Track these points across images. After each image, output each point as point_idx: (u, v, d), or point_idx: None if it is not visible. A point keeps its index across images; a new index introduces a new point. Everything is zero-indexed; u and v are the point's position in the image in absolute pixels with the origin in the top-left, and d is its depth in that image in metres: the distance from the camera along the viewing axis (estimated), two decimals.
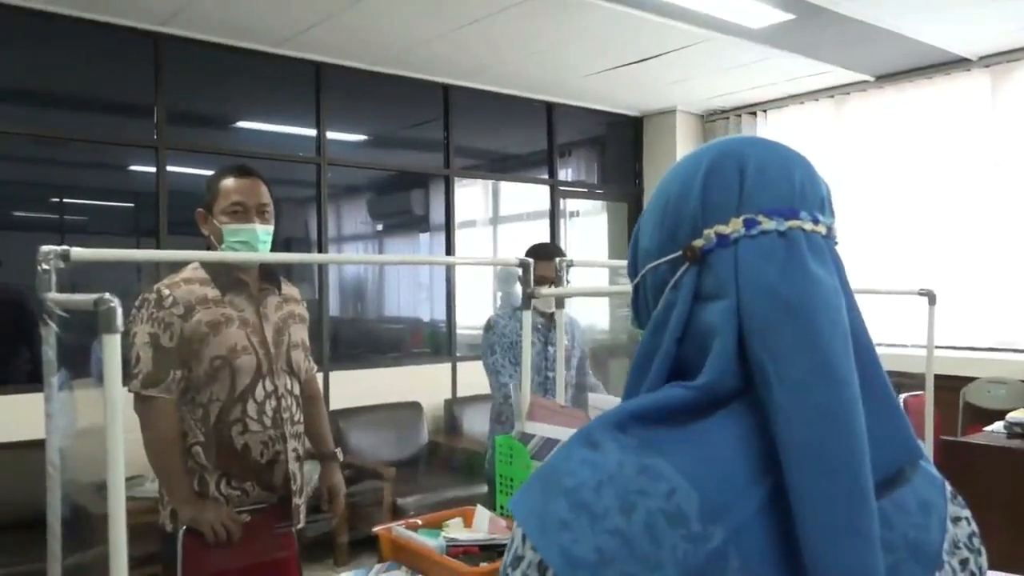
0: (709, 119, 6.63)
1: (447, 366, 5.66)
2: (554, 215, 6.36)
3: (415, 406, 5.29)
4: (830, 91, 5.81)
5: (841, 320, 0.66)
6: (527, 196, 6.47)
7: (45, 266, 1.54)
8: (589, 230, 7.00)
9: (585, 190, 6.75)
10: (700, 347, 0.69)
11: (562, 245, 6.39)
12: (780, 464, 0.62)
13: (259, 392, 2.23)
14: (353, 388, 5.12)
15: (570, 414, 2.21)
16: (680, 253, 0.72)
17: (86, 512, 2.06)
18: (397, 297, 6.24)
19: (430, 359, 5.73)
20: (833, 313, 0.66)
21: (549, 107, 6.22)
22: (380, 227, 6.20)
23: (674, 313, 0.71)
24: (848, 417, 0.62)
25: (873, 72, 5.50)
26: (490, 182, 6.40)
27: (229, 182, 2.25)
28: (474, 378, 4.48)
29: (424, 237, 6.16)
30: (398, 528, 2.07)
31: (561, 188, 6.43)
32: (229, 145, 5.05)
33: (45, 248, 1.55)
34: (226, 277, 2.24)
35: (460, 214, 5.95)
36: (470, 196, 6.27)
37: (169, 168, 4.58)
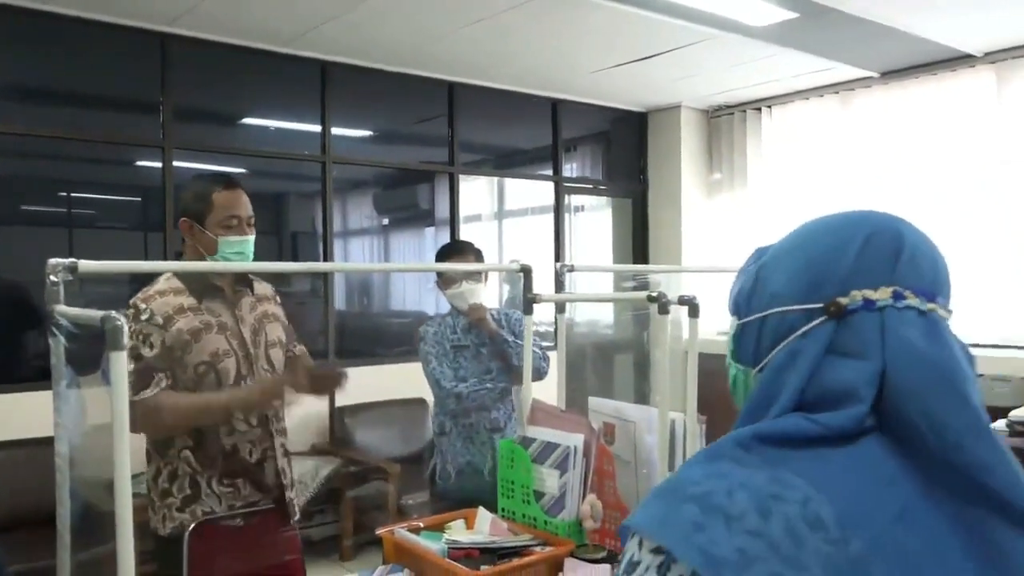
0: (715, 115, 6.63)
1: None
2: (559, 211, 6.38)
3: (420, 402, 5.32)
4: (835, 87, 5.80)
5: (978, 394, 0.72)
6: (532, 192, 6.49)
7: (54, 278, 1.58)
8: (594, 225, 7.02)
9: (590, 186, 6.77)
10: (825, 398, 0.72)
11: (567, 240, 6.42)
12: (911, 483, 0.68)
13: None
14: (358, 384, 5.12)
15: (570, 418, 2.24)
16: (820, 306, 0.76)
17: (94, 509, 2.10)
18: (403, 291, 6.26)
19: None
20: (972, 384, 0.71)
21: (554, 103, 6.23)
22: (386, 222, 6.22)
23: (801, 361, 0.75)
24: (1013, 463, 0.68)
25: (878, 69, 5.49)
26: (495, 177, 6.42)
27: (222, 195, 2.27)
28: None
29: (430, 231, 6.18)
30: (400, 531, 2.10)
31: (566, 184, 6.45)
32: (235, 143, 5.09)
33: (53, 261, 1.59)
34: (200, 284, 2.26)
35: (465, 209, 5.97)
36: (475, 191, 6.29)
37: (176, 163, 4.62)
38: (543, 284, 2.57)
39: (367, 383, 5.16)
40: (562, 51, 5.06)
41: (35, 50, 4.36)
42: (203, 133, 5.00)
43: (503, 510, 2.27)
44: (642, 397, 6.64)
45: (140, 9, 4.21)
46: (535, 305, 2.34)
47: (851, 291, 0.75)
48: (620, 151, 6.87)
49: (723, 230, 6.50)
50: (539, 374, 2.95)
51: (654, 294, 1.96)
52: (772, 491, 0.64)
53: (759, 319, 0.81)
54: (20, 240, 4.42)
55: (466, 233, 5.89)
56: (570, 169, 6.65)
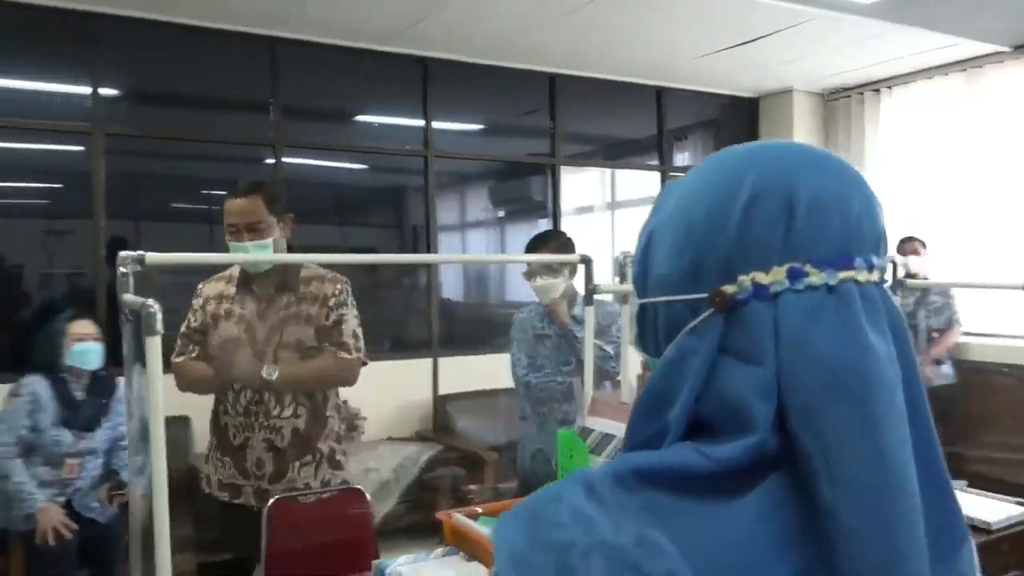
0: (831, 98, 6.33)
1: None
2: None
3: None
4: (962, 64, 5.42)
5: (897, 399, 0.57)
6: (644, 182, 6.41)
7: (123, 269, 1.71)
8: None
9: None
10: (723, 409, 0.59)
11: None
12: (806, 545, 0.55)
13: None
14: (461, 373, 5.27)
15: (630, 409, 2.23)
16: (703, 296, 0.61)
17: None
18: (518, 282, 6.32)
19: None
20: (888, 392, 0.56)
21: (659, 92, 6.13)
22: (502, 214, 6.31)
23: (693, 363, 0.60)
24: (908, 527, 0.55)
25: (1010, 43, 5.09)
26: (606, 169, 6.40)
27: (227, 203, 2.46)
28: None
29: (544, 223, 6.22)
30: (457, 515, 2.16)
31: (672, 174, 6.34)
32: (342, 140, 5.31)
33: (123, 253, 1.72)
34: (243, 277, 2.50)
35: (577, 200, 5.97)
36: (586, 183, 6.29)
37: (286, 160, 4.87)
38: None
39: (471, 372, 5.28)
40: (663, 38, 4.97)
41: (161, 58, 4.68)
42: (311, 131, 5.23)
43: None
44: None
45: (250, 15, 4.45)
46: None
47: (738, 275, 0.59)
48: (730, 139, 6.67)
49: None
50: (604, 374, 2.87)
51: None
52: (633, 559, 0.53)
53: (651, 304, 0.66)
54: (169, 236, 4.80)
55: (577, 225, 5.89)
56: (681, 158, 6.54)
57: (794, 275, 0.58)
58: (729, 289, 0.59)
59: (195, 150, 4.94)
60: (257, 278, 2.46)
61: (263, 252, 2.40)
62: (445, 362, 5.30)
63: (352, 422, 4.55)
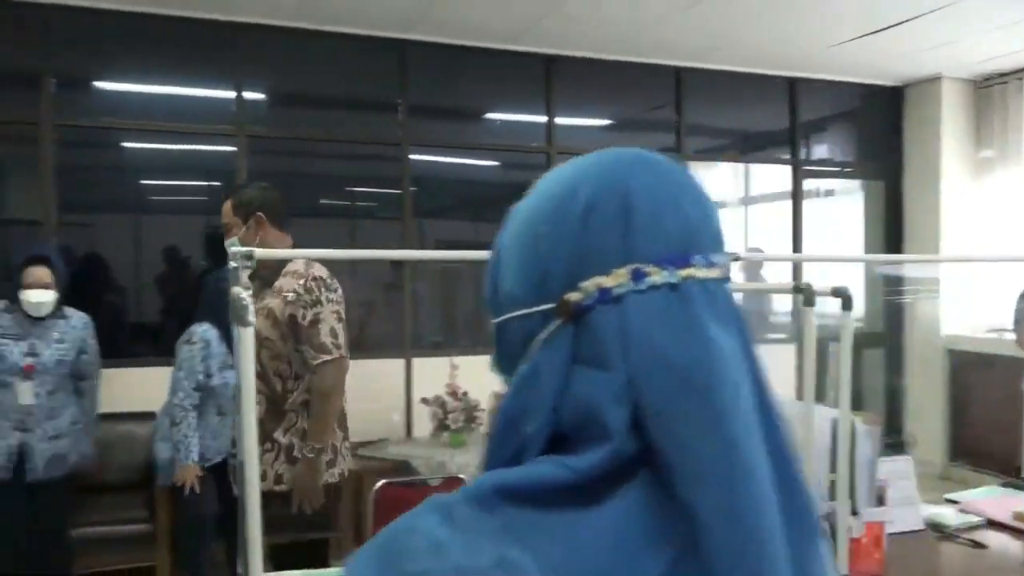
0: (983, 85, 5.89)
1: None
2: (797, 196, 6.05)
3: None
4: None
5: (744, 393, 0.58)
6: (780, 177, 6.21)
7: (234, 264, 1.86)
8: (847, 210, 6.55)
9: (832, 169, 6.34)
10: (579, 418, 0.59)
11: (804, 227, 6.08)
12: (675, 539, 0.55)
13: None
14: None
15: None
16: (552, 306, 0.61)
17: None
18: None
19: None
20: (733, 387, 0.57)
21: (791, 83, 5.91)
22: None
23: (545, 378, 0.60)
24: (762, 516, 0.55)
25: None
26: (740, 164, 6.25)
27: None
28: None
29: None
30: None
31: (805, 168, 6.10)
32: (467, 137, 5.44)
33: (234, 249, 1.87)
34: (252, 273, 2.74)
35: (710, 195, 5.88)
36: (719, 177, 6.17)
37: (412, 157, 5.04)
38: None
39: None
40: (797, 24, 4.78)
41: (297, 63, 4.95)
42: (437, 129, 5.39)
43: None
44: (891, 394, 6.14)
45: (381, 20, 4.64)
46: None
47: (580, 282, 0.60)
48: (871, 130, 6.35)
49: (993, 214, 5.79)
50: None
51: (801, 285, 1.86)
52: None
53: (504, 322, 0.66)
54: (311, 231, 5.08)
55: None
56: (821, 151, 6.30)
57: (637, 276, 0.59)
58: (574, 296, 0.60)
59: (331, 149, 5.20)
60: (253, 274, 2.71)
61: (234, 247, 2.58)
62: None
63: (471, 413, 4.70)
